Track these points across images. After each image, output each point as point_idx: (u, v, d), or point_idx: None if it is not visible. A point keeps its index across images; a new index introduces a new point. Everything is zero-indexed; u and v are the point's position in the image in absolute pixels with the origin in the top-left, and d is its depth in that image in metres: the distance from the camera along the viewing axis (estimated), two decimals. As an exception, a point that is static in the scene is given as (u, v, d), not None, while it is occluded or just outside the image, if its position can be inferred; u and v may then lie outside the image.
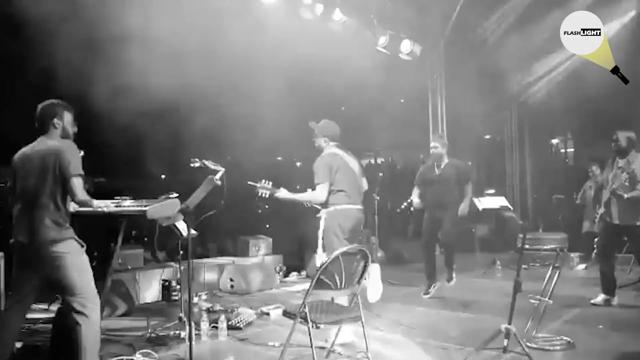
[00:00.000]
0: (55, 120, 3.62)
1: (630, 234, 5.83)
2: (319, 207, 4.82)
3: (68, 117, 3.69)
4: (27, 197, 3.51)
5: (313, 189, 4.77)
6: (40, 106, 3.66)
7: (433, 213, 6.58)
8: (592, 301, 5.96)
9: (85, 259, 3.59)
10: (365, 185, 5.18)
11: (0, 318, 3.76)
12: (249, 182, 4.75)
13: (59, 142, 3.58)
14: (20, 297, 3.66)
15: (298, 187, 5.25)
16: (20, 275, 3.63)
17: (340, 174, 4.76)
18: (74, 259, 3.51)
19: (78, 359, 3.44)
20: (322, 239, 4.71)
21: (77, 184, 3.45)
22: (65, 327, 3.57)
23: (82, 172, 3.50)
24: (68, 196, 3.53)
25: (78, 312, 3.46)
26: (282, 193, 4.76)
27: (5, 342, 3.65)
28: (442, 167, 6.60)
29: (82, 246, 3.60)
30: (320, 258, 4.63)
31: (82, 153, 3.70)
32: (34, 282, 3.61)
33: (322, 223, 4.73)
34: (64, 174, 3.45)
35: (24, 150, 3.64)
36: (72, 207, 3.72)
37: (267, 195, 4.73)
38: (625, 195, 5.55)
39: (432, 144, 6.77)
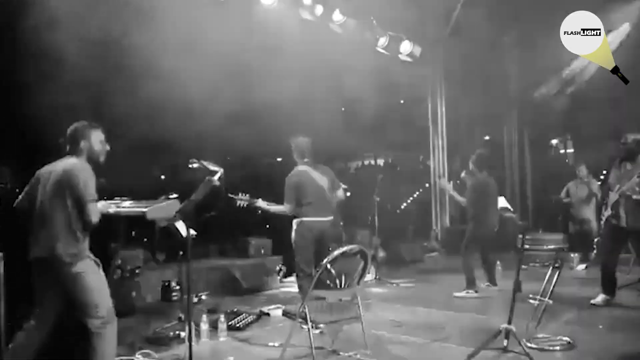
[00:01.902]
0: (82, 143, 3.65)
1: (637, 237, 5.81)
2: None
3: (96, 136, 3.70)
4: (45, 214, 3.52)
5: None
6: (68, 129, 3.69)
7: None
8: (592, 301, 5.95)
9: (101, 276, 3.59)
10: (340, 195, 5.71)
11: (23, 331, 3.73)
12: (229, 195, 5.33)
13: (77, 163, 3.57)
14: (42, 313, 3.64)
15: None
16: (41, 292, 3.62)
17: (305, 189, 5.34)
18: (91, 277, 3.52)
19: None
20: (294, 247, 5.40)
21: (92, 210, 3.46)
22: (69, 327, 3.58)
23: (94, 197, 3.49)
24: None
25: (94, 332, 3.48)
26: (259, 203, 5.43)
27: (25, 353, 3.64)
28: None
29: (98, 265, 3.60)
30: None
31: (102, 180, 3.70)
32: (55, 300, 3.60)
33: (292, 234, 5.41)
34: (79, 199, 3.45)
35: (48, 166, 3.66)
36: None
37: (245, 206, 5.40)
38: (634, 196, 5.55)
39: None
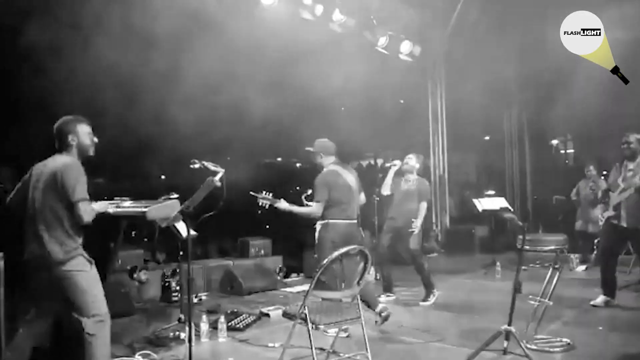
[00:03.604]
0: (70, 138, 3.59)
1: (637, 237, 5.81)
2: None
3: (83, 129, 3.64)
4: (37, 212, 3.49)
5: (308, 199, 5.14)
6: (55, 126, 3.64)
7: (394, 224, 6.64)
8: (592, 302, 5.95)
9: (94, 274, 3.56)
10: (362, 199, 5.50)
11: (21, 329, 3.73)
12: (251, 193, 5.08)
13: (68, 161, 3.54)
14: (38, 312, 3.64)
15: (298, 188, 5.34)
16: (37, 291, 3.60)
17: (337, 189, 5.06)
18: (83, 276, 3.49)
19: None
20: (316, 248, 5.10)
21: (83, 209, 3.41)
22: (70, 328, 3.57)
23: (87, 197, 3.45)
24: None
25: (87, 333, 3.45)
26: (282, 204, 5.09)
27: (21, 352, 3.63)
28: (410, 182, 6.64)
29: (91, 262, 3.56)
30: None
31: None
32: (49, 298, 3.57)
33: (316, 235, 5.12)
34: (69, 199, 3.41)
35: (39, 165, 3.63)
36: None
37: (267, 206, 5.07)
38: None
39: (408, 157, 6.73)
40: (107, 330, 3.56)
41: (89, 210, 3.47)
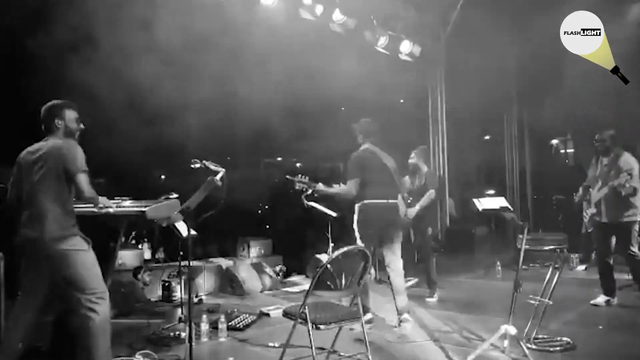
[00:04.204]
0: (57, 121, 3.66)
1: (617, 230, 5.82)
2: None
3: (70, 114, 3.70)
4: (33, 195, 3.53)
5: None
6: (42, 108, 3.70)
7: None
8: (592, 302, 5.96)
9: (92, 255, 3.60)
10: (406, 182, 5.51)
11: (10, 317, 3.75)
12: (287, 177, 5.06)
13: (61, 141, 3.61)
14: (29, 297, 3.65)
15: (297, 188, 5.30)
16: (28, 274, 3.63)
17: (371, 168, 4.98)
18: (82, 255, 3.53)
19: (92, 355, 3.45)
20: (357, 230, 5.00)
21: (84, 180, 3.49)
22: (69, 327, 3.57)
23: (86, 169, 3.53)
24: (72, 194, 3.56)
25: (88, 309, 3.47)
26: (319, 187, 5.03)
27: (12, 342, 3.64)
28: (420, 178, 6.60)
29: (88, 242, 3.61)
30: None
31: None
32: (42, 281, 3.59)
33: (355, 216, 5.02)
34: (69, 171, 3.48)
35: (29, 149, 3.67)
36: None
37: (304, 189, 5.03)
38: (623, 193, 5.57)
39: (411, 157, 6.68)
40: (106, 310, 3.57)
41: (89, 183, 3.52)
